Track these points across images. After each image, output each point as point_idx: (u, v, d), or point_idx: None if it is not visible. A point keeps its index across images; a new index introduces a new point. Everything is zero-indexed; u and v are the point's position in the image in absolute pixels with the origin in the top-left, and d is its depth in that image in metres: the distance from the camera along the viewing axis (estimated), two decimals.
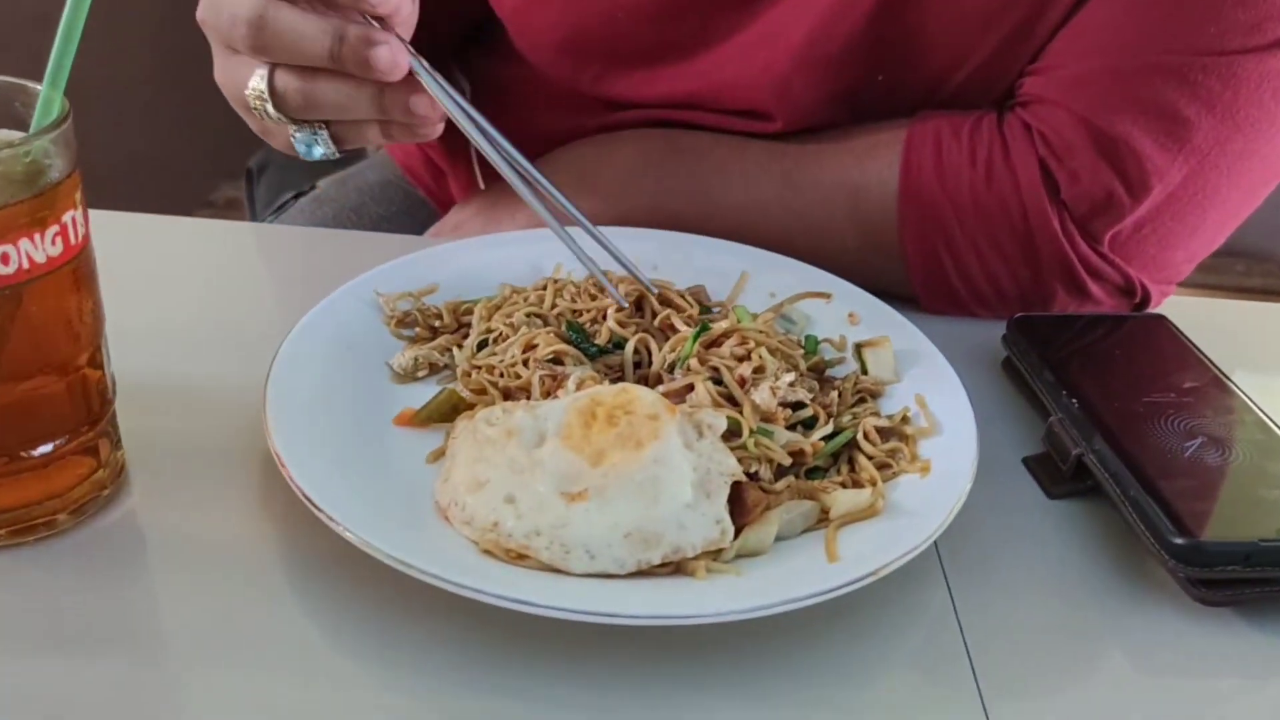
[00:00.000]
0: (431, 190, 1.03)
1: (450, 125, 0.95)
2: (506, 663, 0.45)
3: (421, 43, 0.83)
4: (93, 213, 0.48)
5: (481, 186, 0.92)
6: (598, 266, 0.60)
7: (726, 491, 0.48)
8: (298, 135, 0.60)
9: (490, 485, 0.47)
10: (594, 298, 0.61)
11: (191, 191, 1.91)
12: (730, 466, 0.48)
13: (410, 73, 0.56)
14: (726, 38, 0.71)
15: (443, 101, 0.57)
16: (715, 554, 0.47)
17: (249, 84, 0.58)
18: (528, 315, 0.59)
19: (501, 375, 0.56)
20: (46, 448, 0.47)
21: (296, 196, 1.11)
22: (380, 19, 0.55)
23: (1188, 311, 0.75)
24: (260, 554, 0.49)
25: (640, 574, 0.46)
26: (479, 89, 0.91)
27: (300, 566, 0.49)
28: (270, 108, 0.58)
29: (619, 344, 0.57)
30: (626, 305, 0.59)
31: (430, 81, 0.56)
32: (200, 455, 0.54)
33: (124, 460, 0.52)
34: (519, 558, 0.46)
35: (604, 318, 0.58)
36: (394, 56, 0.54)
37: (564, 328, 0.58)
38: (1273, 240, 1.65)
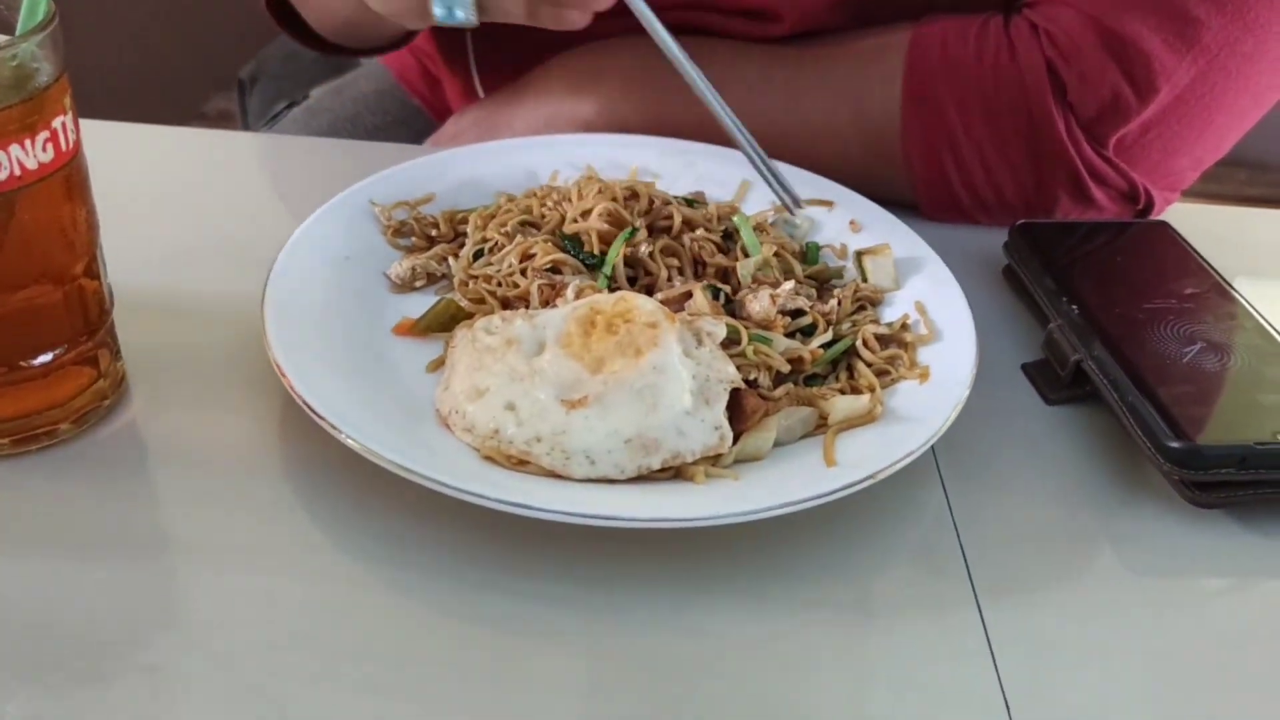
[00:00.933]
0: (427, 99, 1.02)
1: (446, 29, 0.94)
2: (507, 564, 0.45)
3: None
4: (84, 122, 0.48)
5: (480, 95, 0.91)
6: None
7: (725, 399, 0.48)
8: None
9: (490, 393, 0.47)
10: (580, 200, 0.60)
11: (183, 103, 1.88)
12: (729, 374, 0.48)
13: None
14: None
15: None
16: (714, 459, 0.47)
17: None
18: (520, 224, 0.58)
19: (499, 285, 0.56)
20: (46, 357, 0.47)
21: (289, 107, 1.09)
22: None
23: (1191, 218, 0.75)
24: (260, 461, 0.50)
25: (640, 479, 0.46)
26: None
27: (300, 473, 0.49)
28: None
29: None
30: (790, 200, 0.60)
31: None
32: (200, 365, 0.54)
33: (124, 370, 0.53)
34: (520, 464, 0.46)
35: (583, 218, 0.58)
36: None
37: (560, 238, 0.57)
38: (1271, 151, 1.62)
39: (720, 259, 0.57)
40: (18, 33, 0.44)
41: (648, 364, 0.46)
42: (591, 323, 0.48)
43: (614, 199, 0.59)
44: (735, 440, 0.47)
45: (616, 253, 0.55)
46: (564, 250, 0.56)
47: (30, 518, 0.46)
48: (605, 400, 0.46)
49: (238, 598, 0.44)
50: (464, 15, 0.58)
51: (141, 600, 0.43)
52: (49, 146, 0.43)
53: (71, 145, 0.45)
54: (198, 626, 0.43)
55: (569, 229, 0.57)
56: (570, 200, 0.61)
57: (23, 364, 0.47)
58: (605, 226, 0.57)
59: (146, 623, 0.43)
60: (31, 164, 0.43)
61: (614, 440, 0.46)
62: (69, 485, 0.48)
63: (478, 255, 0.58)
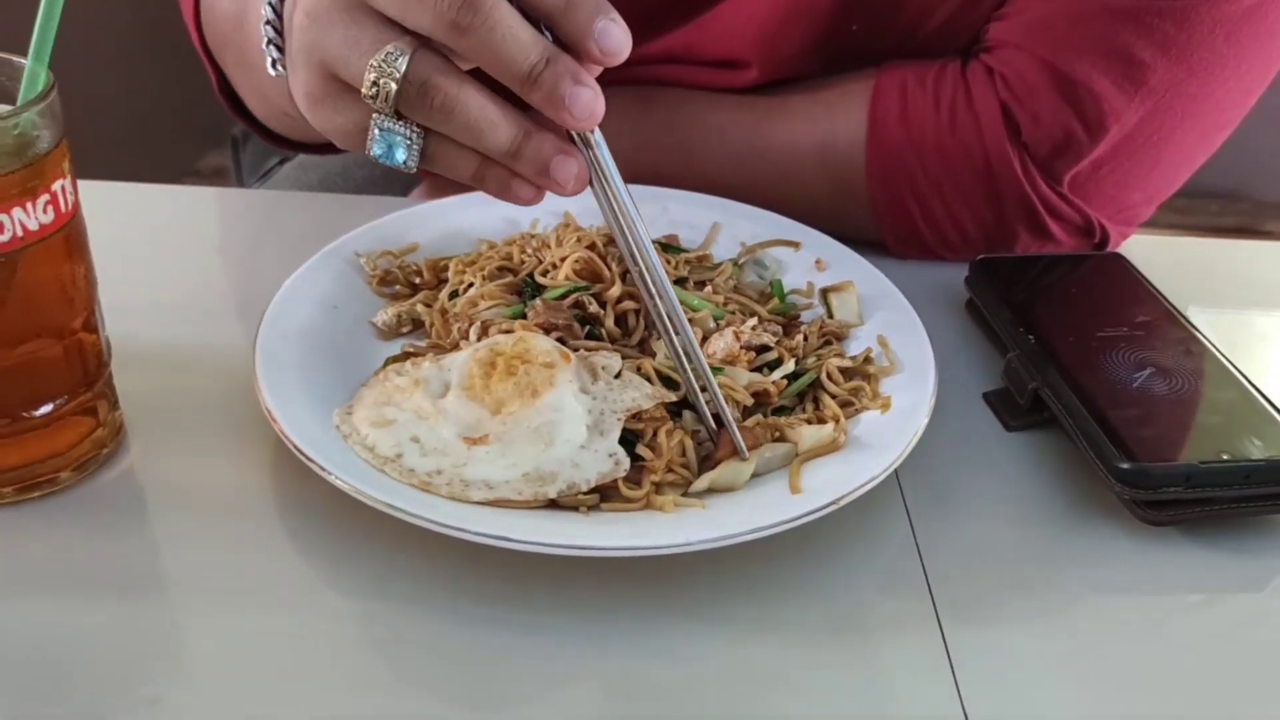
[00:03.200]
0: None
1: None
2: (487, 594, 0.47)
3: None
4: (82, 183, 0.50)
5: None
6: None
7: (619, 428, 0.50)
8: (385, 131, 0.48)
9: (397, 425, 0.50)
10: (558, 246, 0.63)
11: (178, 160, 1.92)
12: (625, 403, 0.51)
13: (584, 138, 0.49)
14: None
15: (600, 184, 0.50)
16: (685, 489, 0.50)
17: (378, 56, 0.46)
18: (498, 269, 0.61)
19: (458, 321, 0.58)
20: (47, 408, 0.50)
21: (281, 163, 1.13)
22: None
23: (1152, 249, 0.78)
24: (253, 503, 0.52)
25: (613, 509, 0.49)
26: None
27: (290, 514, 0.51)
28: (394, 89, 0.46)
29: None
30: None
31: (606, 156, 0.49)
32: (194, 413, 0.57)
33: (122, 420, 0.55)
34: (423, 484, 0.48)
35: (557, 266, 0.60)
36: (594, 103, 0.46)
37: (524, 284, 0.60)
38: (1243, 181, 1.67)
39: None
40: (18, 102, 0.47)
41: (545, 404, 0.49)
42: (492, 364, 0.51)
43: (591, 246, 0.62)
44: (633, 461, 0.50)
45: (556, 293, 0.58)
46: (519, 292, 0.59)
47: (34, 562, 0.48)
48: (505, 438, 0.49)
49: (232, 633, 0.46)
50: (404, 158, 0.49)
51: (141, 637, 0.46)
52: (49, 208, 0.46)
53: (70, 206, 0.48)
54: (195, 661, 0.45)
55: (542, 280, 0.60)
56: (549, 246, 0.64)
57: (25, 415, 0.49)
58: (568, 283, 0.59)
59: (146, 658, 0.45)
60: (33, 225, 0.46)
61: (512, 472, 0.48)
62: (70, 530, 0.50)
63: (453, 296, 0.60)
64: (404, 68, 0.46)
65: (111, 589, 0.47)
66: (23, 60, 0.47)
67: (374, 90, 0.46)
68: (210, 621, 0.47)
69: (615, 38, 0.45)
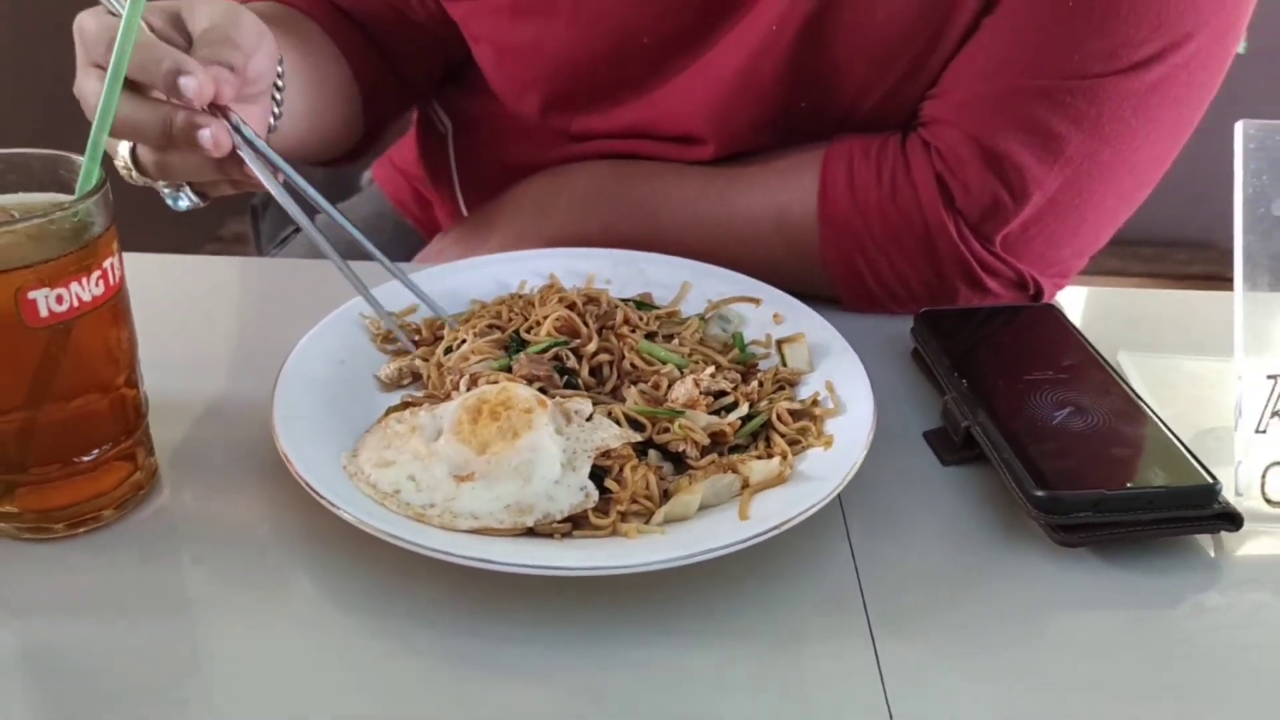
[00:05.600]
0: (419, 220, 1.14)
1: (434, 156, 1.06)
2: (475, 610, 0.54)
3: (394, 80, 0.94)
4: (126, 255, 0.58)
5: (465, 214, 1.03)
6: (387, 313, 0.71)
7: (589, 464, 0.58)
8: (165, 191, 0.72)
9: (396, 466, 0.58)
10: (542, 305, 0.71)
11: (203, 228, 2.03)
12: (596, 442, 0.59)
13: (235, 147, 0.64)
14: (672, 75, 0.81)
15: (257, 172, 0.65)
16: (647, 518, 0.57)
17: (116, 154, 0.69)
18: (488, 326, 0.69)
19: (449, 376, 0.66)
20: (93, 454, 0.57)
21: (297, 230, 1.21)
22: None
23: (1086, 300, 0.85)
24: (270, 536, 0.59)
25: (583, 535, 0.56)
26: (457, 123, 1.01)
27: (304, 546, 0.58)
28: (135, 174, 0.69)
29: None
30: (413, 349, 0.69)
31: (250, 156, 0.65)
32: (220, 458, 0.64)
33: (157, 465, 0.63)
34: (418, 516, 0.56)
35: (540, 324, 0.69)
36: (216, 139, 0.62)
37: (510, 340, 0.68)
38: (1209, 230, 1.73)
39: (643, 365, 0.67)
40: (76, 194, 0.55)
41: (524, 445, 0.57)
42: (479, 410, 0.58)
43: (571, 305, 0.70)
44: (602, 494, 0.57)
45: (538, 348, 0.66)
46: (505, 347, 0.67)
47: (81, 588, 0.56)
48: (489, 476, 0.56)
49: (252, 648, 0.53)
50: (187, 204, 0.73)
51: (173, 652, 0.53)
52: (100, 282, 0.54)
53: (118, 279, 0.56)
54: (219, 671, 0.52)
55: (527, 336, 0.67)
56: (534, 305, 0.71)
57: (74, 460, 0.57)
58: (549, 339, 0.67)
59: (177, 669, 0.52)
60: (87, 297, 0.53)
61: (495, 505, 0.56)
62: (112, 561, 0.57)
63: (448, 351, 0.68)
64: (129, 160, 0.69)
65: (147, 610, 0.54)
66: (78, 157, 0.55)
67: (126, 176, 0.70)
68: (232, 637, 0.54)
69: (190, 88, 0.61)
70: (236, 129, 0.64)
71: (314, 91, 0.83)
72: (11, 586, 0.55)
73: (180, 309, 0.79)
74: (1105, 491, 0.58)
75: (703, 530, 0.56)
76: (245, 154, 0.65)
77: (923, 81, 0.76)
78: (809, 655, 0.53)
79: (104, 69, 0.62)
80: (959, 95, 0.75)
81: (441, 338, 0.71)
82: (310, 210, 0.69)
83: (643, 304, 0.74)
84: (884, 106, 0.78)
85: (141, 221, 1.04)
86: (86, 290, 0.53)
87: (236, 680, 0.51)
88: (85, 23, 0.63)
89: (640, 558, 0.52)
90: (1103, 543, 0.60)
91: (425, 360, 0.69)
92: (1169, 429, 0.64)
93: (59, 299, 0.52)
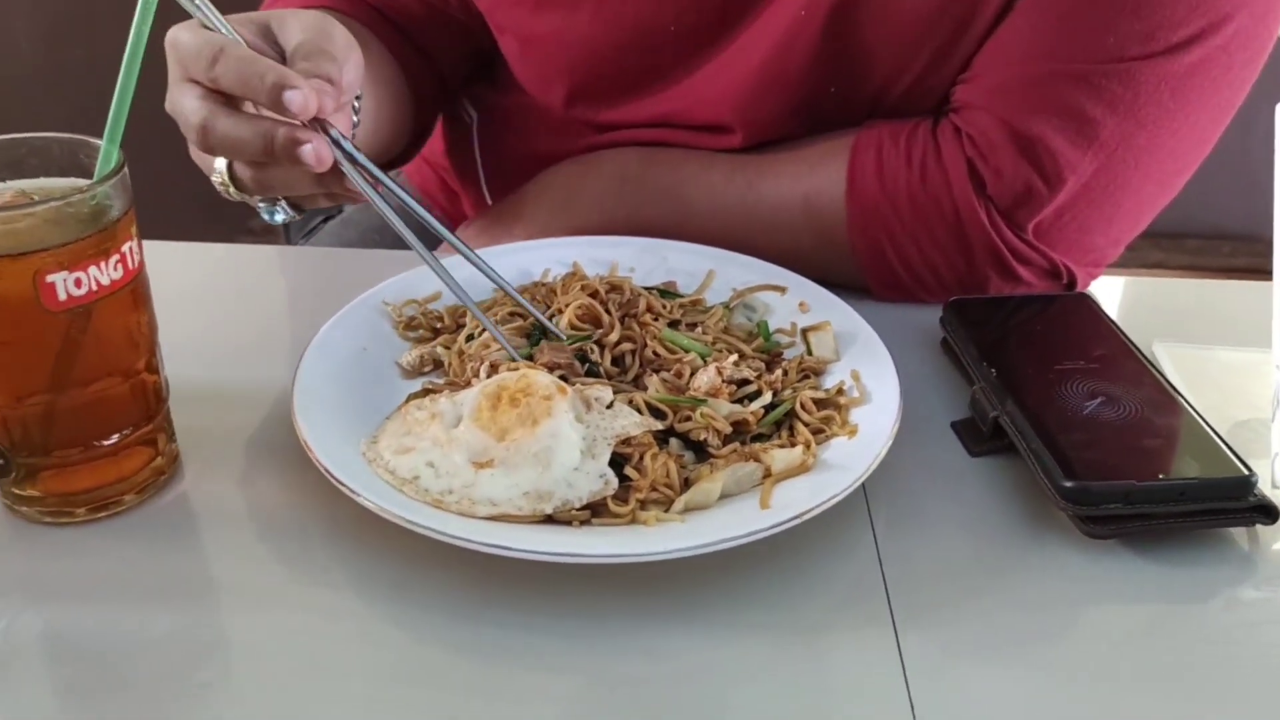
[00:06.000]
0: (446, 209, 1.13)
1: (459, 148, 1.06)
2: (493, 599, 0.54)
3: (437, 79, 0.94)
4: (147, 242, 0.58)
5: (490, 204, 1.03)
6: (475, 303, 0.68)
7: (609, 451, 0.57)
8: (261, 205, 0.71)
9: (415, 452, 0.57)
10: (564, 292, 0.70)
11: (233, 220, 2.04)
12: (616, 429, 0.58)
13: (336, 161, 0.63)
14: (699, 63, 0.80)
15: (360, 187, 0.64)
16: (666, 506, 0.56)
17: (213, 169, 0.68)
18: (510, 314, 0.68)
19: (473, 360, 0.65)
20: (114, 438, 0.57)
21: (325, 220, 1.22)
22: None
23: (1121, 289, 0.84)
24: (290, 522, 0.59)
25: (602, 523, 0.55)
26: (485, 116, 1.01)
27: (323, 531, 0.58)
28: (232, 190, 0.68)
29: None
30: (518, 357, 0.65)
31: (350, 169, 0.64)
32: (241, 444, 0.64)
33: (178, 450, 0.63)
34: (435, 502, 0.55)
35: (562, 311, 0.68)
36: (318, 153, 0.61)
37: (532, 327, 0.67)
38: (1255, 223, 1.68)
39: (666, 354, 0.66)
40: (95, 177, 0.55)
41: (544, 431, 0.56)
42: (499, 397, 0.58)
43: (594, 294, 0.69)
44: (622, 481, 0.57)
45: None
46: (529, 337, 0.66)
47: (102, 572, 0.56)
48: (508, 462, 0.56)
49: (271, 631, 0.53)
50: (283, 217, 0.72)
51: (193, 637, 0.52)
52: (119, 266, 0.54)
53: (137, 264, 0.56)
54: (239, 654, 0.52)
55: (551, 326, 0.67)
56: (556, 294, 0.71)
57: (95, 444, 0.57)
58: (572, 330, 0.66)
59: (198, 652, 0.52)
60: (105, 280, 0.53)
61: (514, 491, 0.55)
62: (133, 545, 0.57)
63: (469, 339, 0.68)
64: (226, 176, 0.68)
65: (168, 595, 0.55)
66: (98, 141, 0.55)
67: (224, 193, 0.69)
68: (252, 621, 0.53)
69: (295, 102, 0.60)
70: (336, 143, 0.63)
71: (376, 96, 0.83)
72: (33, 570, 0.56)
73: (202, 296, 0.79)
74: (1136, 483, 0.57)
75: (723, 519, 0.55)
76: (345, 168, 0.63)
77: (954, 66, 0.75)
78: (830, 647, 0.53)
79: (200, 85, 0.62)
80: (991, 79, 0.73)
81: (464, 325, 0.70)
82: (408, 222, 0.67)
83: (666, 292, 0.73)
84: (914, 92, 0.77)
85: (172, 214, 1.05)
86: (105, 274, 0.53)
87: (256, 666, 0.51)
88: (181, 38, 0.63)
89: (659, 546, 0.52)
90: (1133, 535, 0.58)
91: (447, 348, 0.68)
92: (1203, 420, 0.62)
93: (77, 282, 0.52)
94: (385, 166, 0.96)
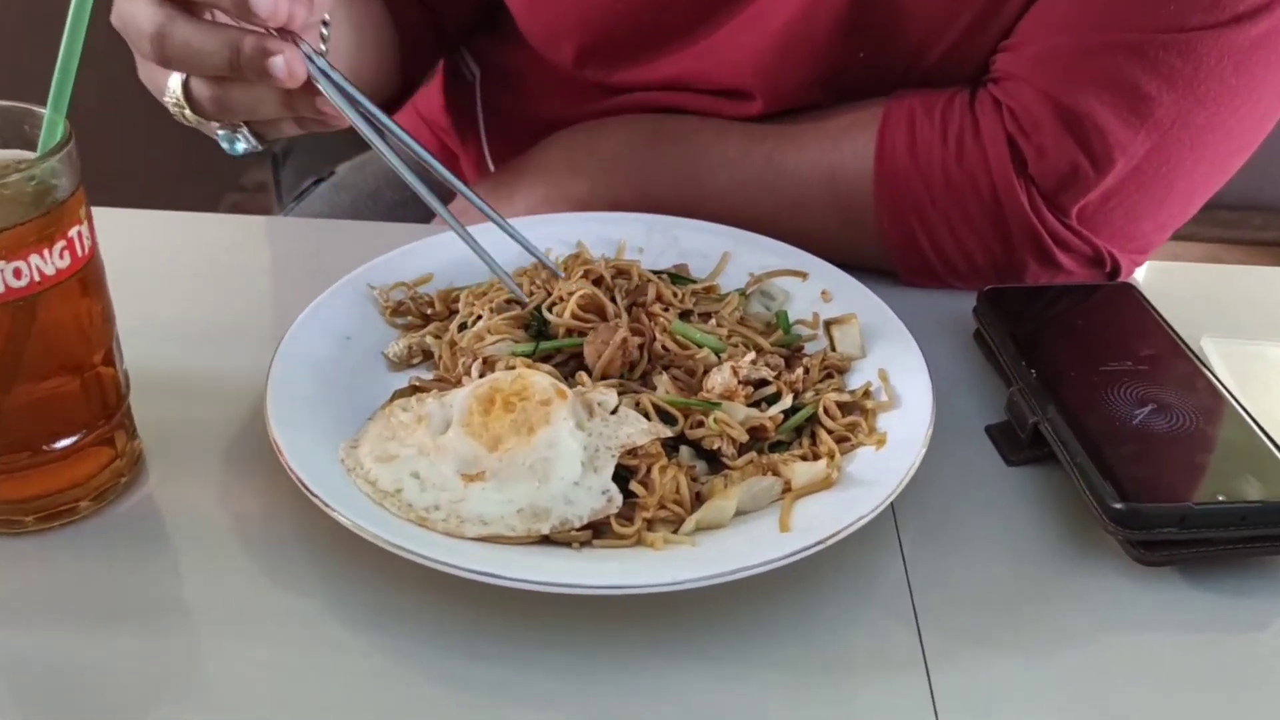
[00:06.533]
0: None
1: (460, 106, 0.99)
2: (485, 630, 0.49)
3: (433, 30, 0.87)
4: (109, 211, 0.52)
5: (491, 168, 0.96)
6: (501, 266, 0.63)
7: (613, 464, 0.52)
8: (220, 133, 0.63)
9: (399, 460, 0.52)
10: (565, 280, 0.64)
11: (223, 175, 1.97)
12: (620, 439, 0.52)
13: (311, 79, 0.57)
14: (719, 22, 0.74)
15: (339, 105, 0.58)
16: (676, 527, 0.51)
17: (166, 91, 0.61)
18: (506, 301, 0.62)
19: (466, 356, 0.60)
20: (67, 442, 0.52)
21: (317, 182, 1.15)
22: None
23: (1165, 278, 0.78)
24: (265, 533, 0.54)
25: (605, 545, 0.50)
26: (487, 73, 0.94)
27: (301, 544, 0.53)
28: (188, 112, 0.61)
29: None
30: (526, 301, 0.62)
31: (327, 86, 0.57)
32: (212, 441, 0.59)
33: (141, 449, 0.57)
34: (421, 520, 0.50)
35: (564, 300, 0.61)
36: (290, 66, 0.55)
37: (532, 317, 0.61)
38: None
39: (677, 349, 0.60)
40: (38, 151, 0.49)
41: (540, 441, 0.51)
42: (491, 400, 0.52)
43: (598, 280, 0.63)
44: (627, 497, 0.51)
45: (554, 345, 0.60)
46: (527, 326, 0.60)
47: (53, 590, 0.50)
48: (501, 475, 0.50)
49: (242, 661, 0.48)
50: (244, 146, 0.64)
51: (156, 664, 0.47)
52: (65, 254, 0.48)
53: (87, 250, 0.50)
54: (206, 687, 0.47)
55: (549, 315, 0.61)
56: (557, 279, 0.65)
57: (45, 448, 0.51)
58: (574, 320, 0.60)
59: (160, 683, 0.47)
60: (49, 270, 0.48)
61: (507, 508, 0.50)
62: (88, 559, 0.52)
63: (463, 328, 0.62)
64: (181, 95, 0.60)
65: (126, 617, 0.49)
66: (43, 110, 0.49)
67: (178, 114, 0.61)
68: (220, 649, 0.48)
69: (264, 5, 0.54)
70: (309, 59, 0.56)
71: (358, 38, 0.76)
72: None
73: (169, 273, 0.73)
74: (1194, 505, 0.52)
75: (738, 543, 0.50)
76: (322, 84, 0.57)
77: (995, 31, 0.68)
78: (856, 688, 0.48)
79: None
80: (1036, 48, 0.67)
81: (457, 311, 0.65)
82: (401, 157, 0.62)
83: (677, 277, 0.67)
84: (950, 59, 0.70)
85: (156, 164, 0.98)
86: (49, 263, 0.47)
87: (221, 695, 0.46)
88: None
89: (667, 576, 0.46)
90: (1188, 561, 0.53)
91: (437, 337, 0.62)
92: (1265, 432, 0.57)
93: (17, 273, 0.46)
94: None
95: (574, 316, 0.60)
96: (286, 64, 0.55)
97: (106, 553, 0.52)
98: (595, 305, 0.61)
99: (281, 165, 1.34)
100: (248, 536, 0.54)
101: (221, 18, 0.56)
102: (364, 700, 0.46)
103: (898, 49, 0.71)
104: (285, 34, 0.56)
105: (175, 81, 0.61)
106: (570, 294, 0.61)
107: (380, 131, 0.60)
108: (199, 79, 0.59)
